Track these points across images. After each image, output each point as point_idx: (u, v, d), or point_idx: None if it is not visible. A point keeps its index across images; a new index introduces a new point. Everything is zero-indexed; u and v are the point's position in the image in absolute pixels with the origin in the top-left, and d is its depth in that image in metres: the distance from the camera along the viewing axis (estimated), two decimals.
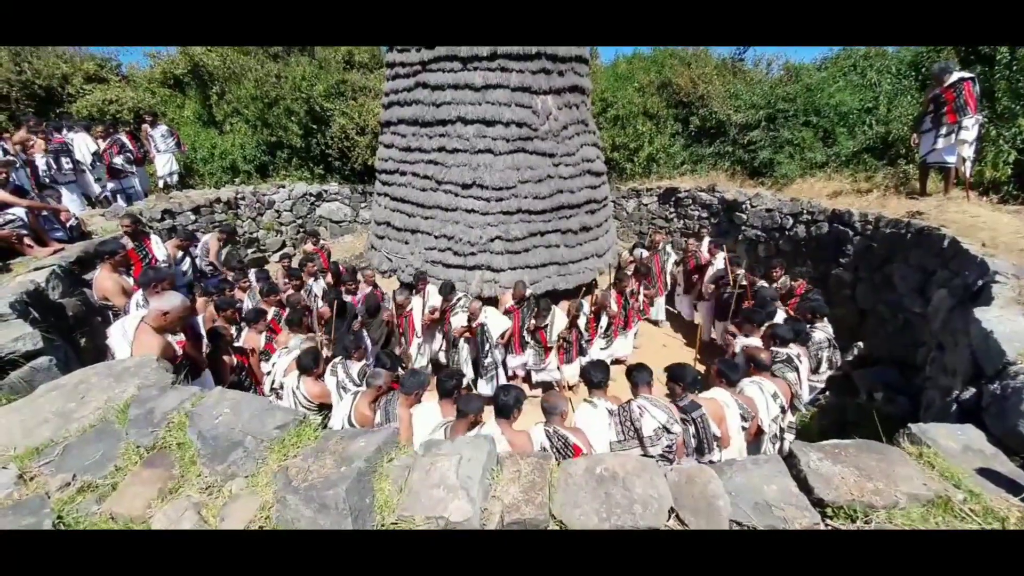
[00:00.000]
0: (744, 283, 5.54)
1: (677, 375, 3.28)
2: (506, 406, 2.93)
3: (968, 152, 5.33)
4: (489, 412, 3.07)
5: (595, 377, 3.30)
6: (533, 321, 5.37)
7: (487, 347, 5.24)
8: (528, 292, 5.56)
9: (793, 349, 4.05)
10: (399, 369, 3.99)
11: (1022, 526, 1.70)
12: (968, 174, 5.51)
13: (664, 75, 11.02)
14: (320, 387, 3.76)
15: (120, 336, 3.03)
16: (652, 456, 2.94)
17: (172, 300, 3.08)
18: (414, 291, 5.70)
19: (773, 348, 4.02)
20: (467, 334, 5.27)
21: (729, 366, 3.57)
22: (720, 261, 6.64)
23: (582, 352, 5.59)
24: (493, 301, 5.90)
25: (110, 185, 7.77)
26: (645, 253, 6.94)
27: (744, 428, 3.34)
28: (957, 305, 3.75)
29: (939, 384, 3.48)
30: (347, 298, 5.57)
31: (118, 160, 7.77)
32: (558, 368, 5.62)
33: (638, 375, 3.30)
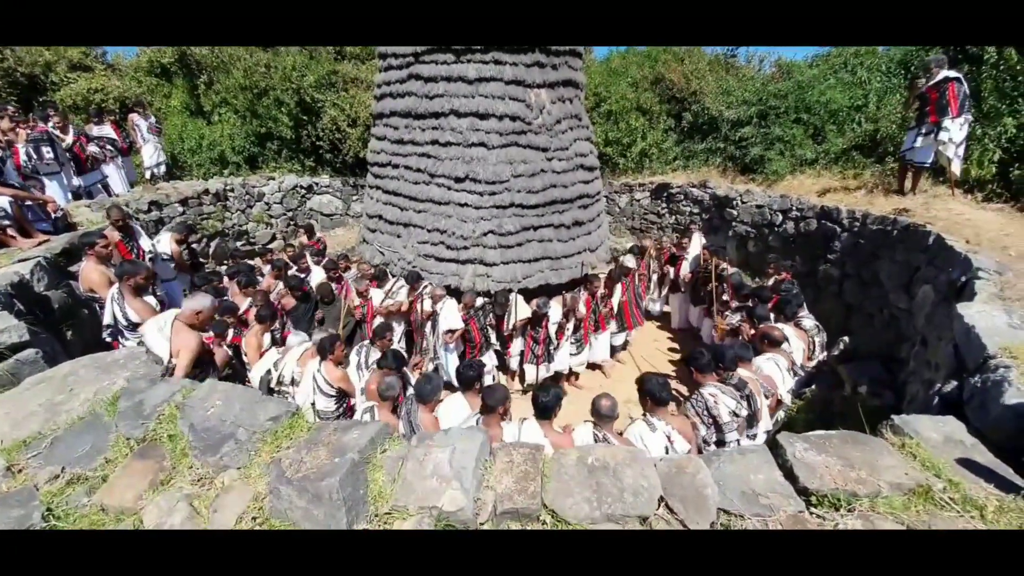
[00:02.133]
0: (717, 269, 5.78)
1: (719, 356, 3.33)
2: (547, 407, 2.85)
3: (951, 153, 5.33)
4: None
5: (661, 394, 2.90)
6: (491, 317, 5.46)
7: (434, 337, 5.30)
8: (481, 301, 5.55)
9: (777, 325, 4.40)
10: (405, 367, 3.99)
11: (999, 515, 1.75)
12: (956, 173, 5.55)
13: (657, 70, 11.01)
14: (340, 372, 3.87)
15: (156, 332, 3.08)
16: (728, 442, 3.01)
17: (203, 301, 3.26)
18: (376, 285, 5.70)
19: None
20: (428, 319, 5.32)
21: (744, 347, 3.72)
22: (694, 248, 6.86)
23: (549, 359, 5.59)
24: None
25: (76, 181, 7.15)
26: (631, 259, 6.81)
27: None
28: (941, 301, 3.83)
29: (923, 378, 3.56)
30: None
31: (92, 149, 7.38)
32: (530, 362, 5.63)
33: (700, 360, 3.24)
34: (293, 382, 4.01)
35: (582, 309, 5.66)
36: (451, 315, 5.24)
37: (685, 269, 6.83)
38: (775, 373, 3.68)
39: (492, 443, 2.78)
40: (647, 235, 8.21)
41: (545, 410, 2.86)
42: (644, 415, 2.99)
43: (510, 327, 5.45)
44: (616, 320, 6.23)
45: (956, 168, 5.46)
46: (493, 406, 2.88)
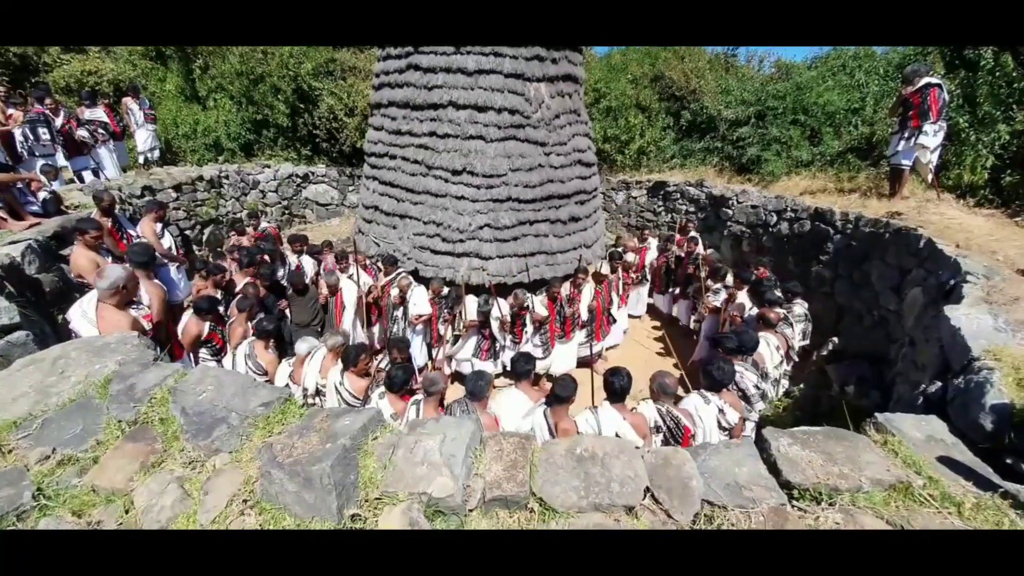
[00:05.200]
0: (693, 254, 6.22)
1: (743, 343, 3.74)
2: (623, 390, 2.93)
3: (929, 157, 5.46)
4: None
5: (717, 374, 3.21)
6: (447, 310, 5.53)
7: (404, 322, 5.46)
8: (447, 290, 5.58)
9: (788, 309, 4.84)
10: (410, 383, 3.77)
11: (976, 512, 1.79)
12: (931, 178, 5.69)
13: (657, 68, 11.01)
14: (365, 382, 3.73)
15: (80, 317, 2.96)
16: (752, 412, 3.43)
17: (116, 272, 2.99)
18: (341, 270, 5.80)
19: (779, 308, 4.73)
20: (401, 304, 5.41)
21: (752, 335, 4.09)
22: (653, 247, 7.36)
23: (494, 355, 5.67)
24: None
25: (63, 163, 6.93)
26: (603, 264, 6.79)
27: None
28: (930, 303, 3.88)
29: (909, 378, 3.61)
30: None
31: (82, 133, 7.17)
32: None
33: (728, 344, 3.69)
34: (319, 392, 3.90)
35: (543, 311, 5.56)
36: (420, 301, 5.39)
37: (648, 260, 7.27)
38: (764, 350, 4.09)
39: (559, 431, 2.87)
40: (615, 234, 8.37)
41: (621, 393, 2.92)
42: (698, 390, 3.26)
43: (459, 325, 5.51)
44: (586, 329, 5.99)
45: (931, 172, 5.61)
46: (565, 397, 2.92)
